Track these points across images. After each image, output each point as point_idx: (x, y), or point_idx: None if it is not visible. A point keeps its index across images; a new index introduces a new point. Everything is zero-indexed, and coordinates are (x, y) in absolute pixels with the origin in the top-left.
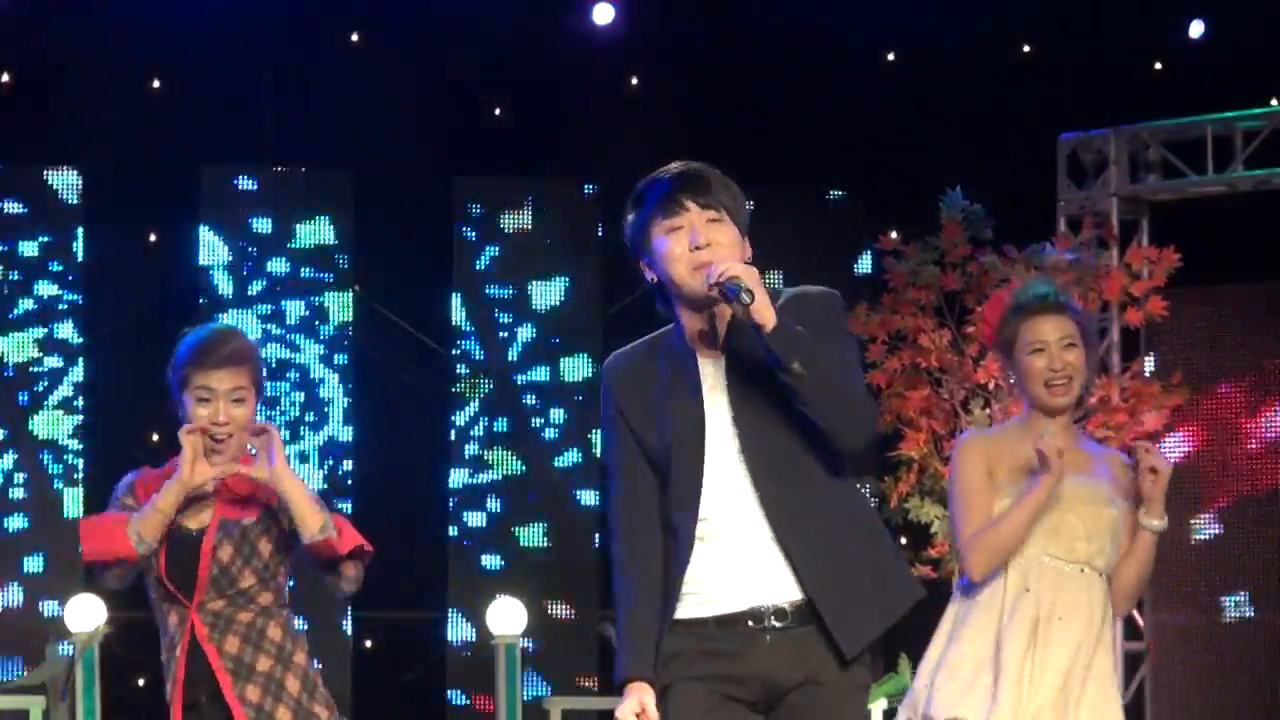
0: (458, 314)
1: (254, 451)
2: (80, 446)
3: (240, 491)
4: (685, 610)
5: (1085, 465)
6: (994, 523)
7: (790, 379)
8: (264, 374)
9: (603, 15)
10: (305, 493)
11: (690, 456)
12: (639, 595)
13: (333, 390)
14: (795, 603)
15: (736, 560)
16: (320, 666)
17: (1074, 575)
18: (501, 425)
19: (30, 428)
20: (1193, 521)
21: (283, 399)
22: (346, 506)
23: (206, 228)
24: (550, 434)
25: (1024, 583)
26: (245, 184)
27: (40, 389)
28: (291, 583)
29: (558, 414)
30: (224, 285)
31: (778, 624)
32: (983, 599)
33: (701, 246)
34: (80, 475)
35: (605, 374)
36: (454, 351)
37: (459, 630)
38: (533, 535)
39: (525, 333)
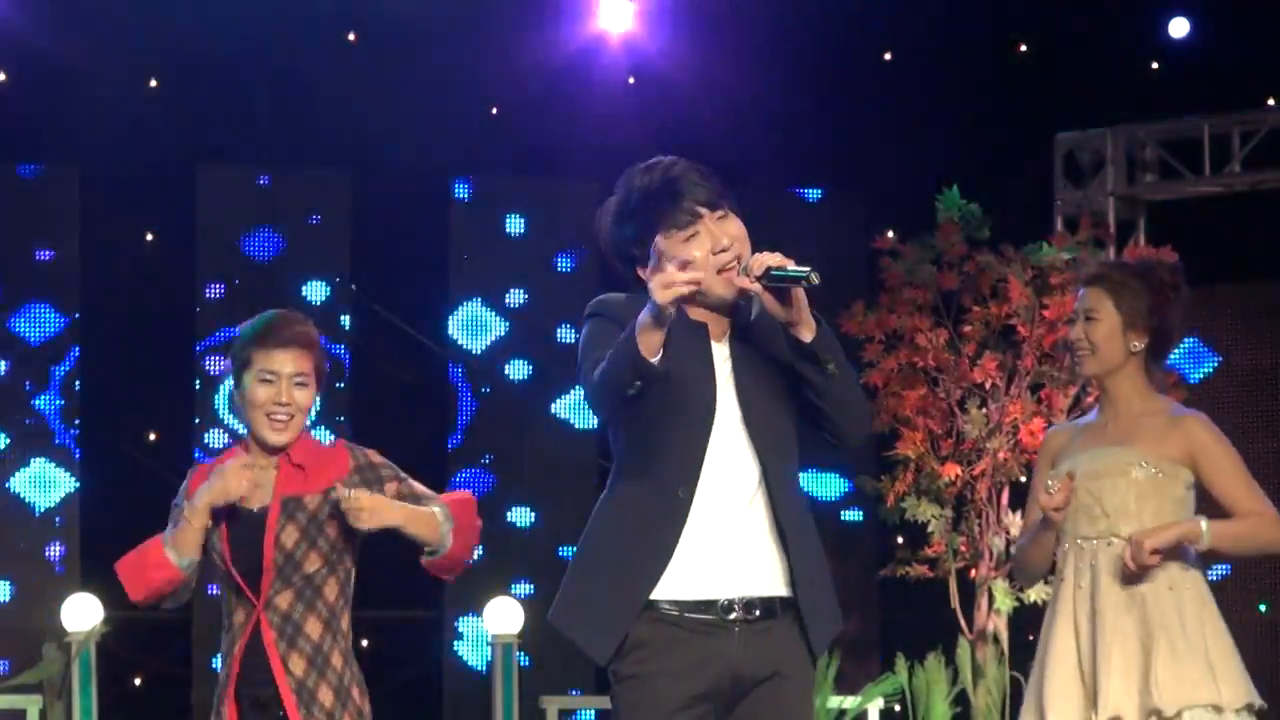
0: (456, 314)
1: (347, 493)
2: (78, 446)
3: (299, 460)
4: (664, 590)
5: (1124, 434)
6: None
7: (821, 378)
8: (327, 363)
9: (616, 21)
10: (410, 515)
11: (696, 419)
12: None
13: (331, 390)
14: (770, 597)
15: (728, 542)
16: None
17: (1102, 548)
18: (500, 425)
19: (28, 427)
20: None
21: None
22: None
23: (204, 227)
24: (550, 434)
25: (1062, 570)
26: (243, 184)
27: (39, 388)
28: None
29: (557, 414)
30: (222, 285)
31: (748, 617)
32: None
33: (727, 248)
34: (78, 475)
35: (601, 305)
36: (452, 351)
37: (456, 629)
38: (531, 536)
39: (524, 333)
